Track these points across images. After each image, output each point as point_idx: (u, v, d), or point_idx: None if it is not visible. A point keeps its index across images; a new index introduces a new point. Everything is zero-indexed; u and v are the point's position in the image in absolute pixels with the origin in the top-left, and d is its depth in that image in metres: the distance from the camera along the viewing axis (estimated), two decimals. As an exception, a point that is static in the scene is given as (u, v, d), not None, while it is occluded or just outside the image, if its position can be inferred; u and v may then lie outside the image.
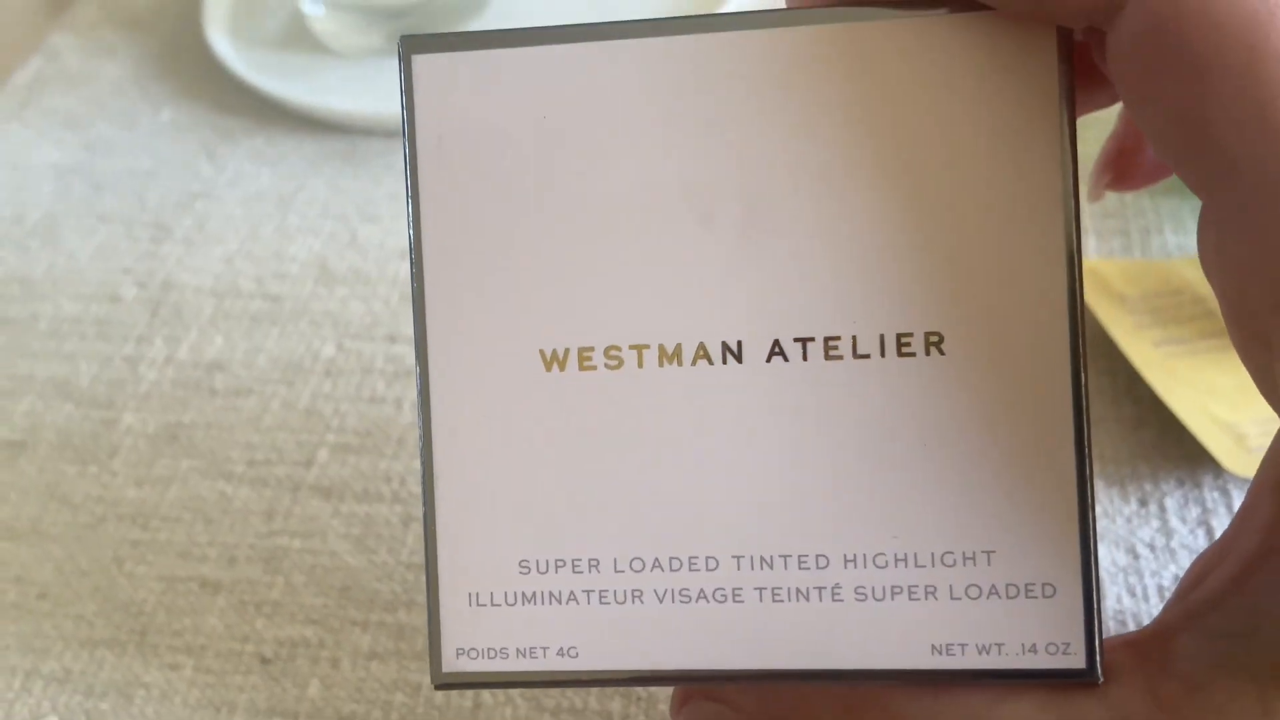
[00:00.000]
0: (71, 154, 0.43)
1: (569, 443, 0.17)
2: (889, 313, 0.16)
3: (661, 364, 0.17)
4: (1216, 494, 0.27)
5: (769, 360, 0.16)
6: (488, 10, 0.46)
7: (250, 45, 0.46)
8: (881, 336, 0.16)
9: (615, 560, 0.17)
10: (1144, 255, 0.34)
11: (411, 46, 0.17)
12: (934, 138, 0.16)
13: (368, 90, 0.43)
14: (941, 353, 0.16)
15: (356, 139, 0.42)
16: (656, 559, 0.17)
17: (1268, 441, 0.17)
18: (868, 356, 0.16)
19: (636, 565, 0.17)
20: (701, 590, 0.17)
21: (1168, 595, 0.25)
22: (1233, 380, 0.28)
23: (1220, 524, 0.27)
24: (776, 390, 0.16)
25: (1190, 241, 0.34)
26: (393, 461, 0.31)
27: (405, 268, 0.36)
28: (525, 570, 0.17)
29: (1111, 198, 0.35)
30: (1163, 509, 0.27)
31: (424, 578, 0.27)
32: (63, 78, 0.47)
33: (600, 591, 0.17)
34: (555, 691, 0.25)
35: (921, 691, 0.17)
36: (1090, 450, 0.16)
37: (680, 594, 0.17)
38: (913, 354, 0.16)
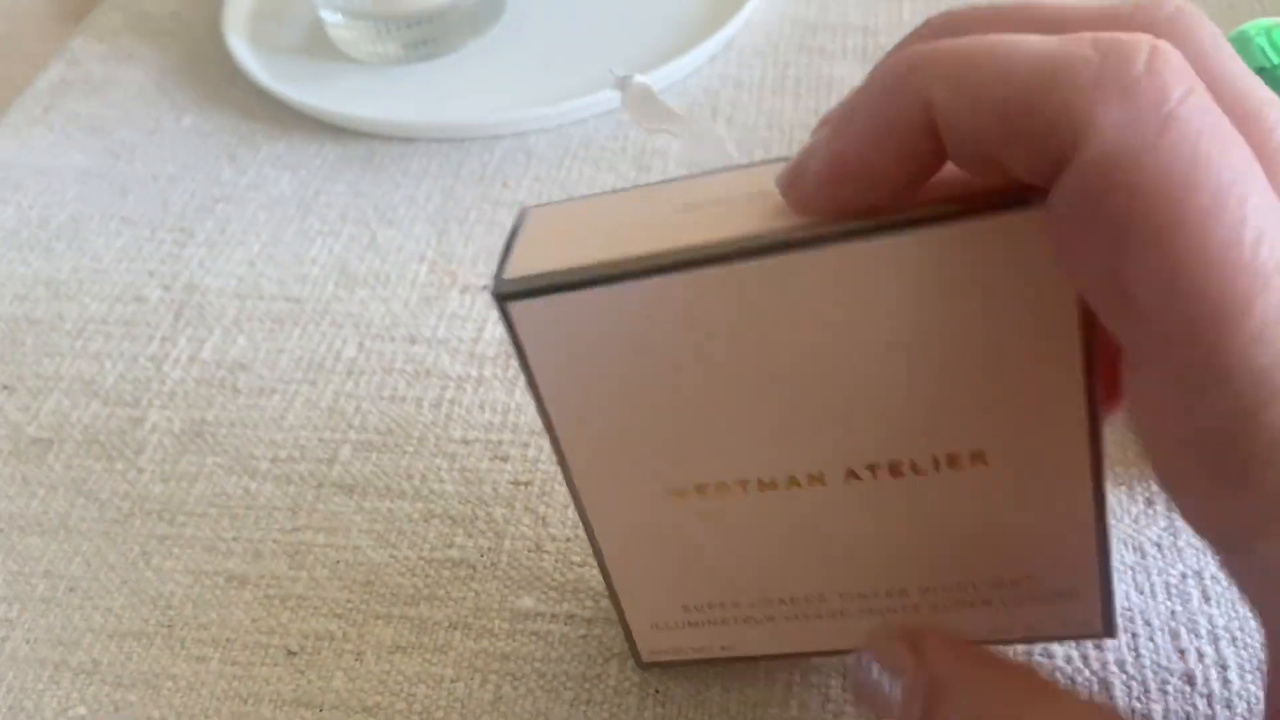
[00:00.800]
0: (95, 158, 0.44)
1: (703, 540, 0.22)
2: (940, 440, 0.19)
3: (761, 491, 0.21)
4: (1223, 494, 0.28)
5: (846, 481, 0.20)
6: (503, 18, 0.47)
7: (270, 52, 0.47)
8: (935, 457, 0.20)
9: (751, 603, 0.23)
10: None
11: (505, 296, 0.19)
12: (964, 316, 0.18)
13: (386, 96, 0.44)
14: (985, 463, 0.20)
15: (375, 144, 0.43)
16: (780, 599, 0.23)
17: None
18: (925, 473, 0.20)
19: (766, 604, 0.23)
20: (817, 613, 0.23)
21: (1175, 592, 0.26)
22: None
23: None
24: (856, 499, 0.21)
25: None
26: (414, 459, 0.31)
27: (423, 270, 0.37)
28: (687, 611, 0.23)
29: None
30: (1170, 508, 0.28)
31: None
32: (86, 83, 0.48)
33: (744, 619, 0.23)
34: (573, 684, 0.26)
35: None
36: (1107, 512, 0.20)
37: (800, 615, 0.23)
38: (961, 468, 0.20)
